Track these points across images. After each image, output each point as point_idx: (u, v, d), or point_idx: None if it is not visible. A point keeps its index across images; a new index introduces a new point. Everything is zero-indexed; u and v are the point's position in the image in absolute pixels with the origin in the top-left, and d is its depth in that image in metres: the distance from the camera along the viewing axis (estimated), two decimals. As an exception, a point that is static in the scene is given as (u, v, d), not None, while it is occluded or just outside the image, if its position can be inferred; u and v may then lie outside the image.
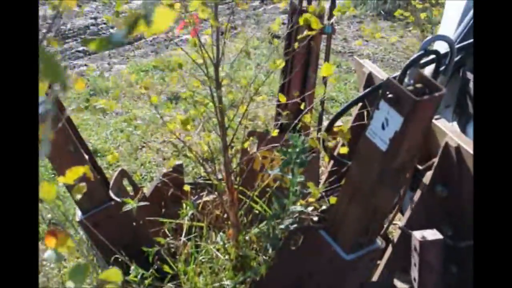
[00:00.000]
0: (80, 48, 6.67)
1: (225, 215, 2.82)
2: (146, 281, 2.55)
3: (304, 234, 2.15)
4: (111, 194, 2.75)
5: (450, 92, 2.79)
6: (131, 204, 2.43)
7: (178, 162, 3.26)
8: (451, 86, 2.86)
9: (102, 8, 8.10)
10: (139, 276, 2.52)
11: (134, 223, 2.76)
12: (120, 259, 2.52)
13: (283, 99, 3.00)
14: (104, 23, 7.50)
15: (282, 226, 2.25)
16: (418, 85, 1.79)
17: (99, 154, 4.39)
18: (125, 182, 3.15)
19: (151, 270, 2.54)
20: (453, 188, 2.22)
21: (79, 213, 2.76)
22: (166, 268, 2.60)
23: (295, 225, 2.21)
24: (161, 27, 0.75)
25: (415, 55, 2.01)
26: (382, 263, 2.36)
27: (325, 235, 2.10)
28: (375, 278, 2.35)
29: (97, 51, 0.83)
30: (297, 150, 2.29)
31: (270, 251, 2.41)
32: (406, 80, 1.88)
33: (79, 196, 1.14)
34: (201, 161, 2.72)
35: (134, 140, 4.63)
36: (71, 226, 3.22)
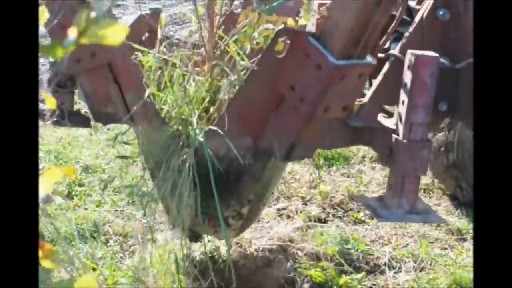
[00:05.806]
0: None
1: (202, 49, 2.65)
2: None
3: (290, 38, 1.95)
4: None
5: None
6: None
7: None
8: None
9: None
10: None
11: None
12: None
13: None
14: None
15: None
16: None
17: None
18: None
19: None
20: (456, 12, 2.05)
21: None
22: None
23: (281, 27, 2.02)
24: (114, 41, 0.79)
25: None
26: (369, 94, 2.20)
27: (314, 41, 1.92)
28: (361, 111, 2.18)
29: (54, 57, 0.85)
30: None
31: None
32: None
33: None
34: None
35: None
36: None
